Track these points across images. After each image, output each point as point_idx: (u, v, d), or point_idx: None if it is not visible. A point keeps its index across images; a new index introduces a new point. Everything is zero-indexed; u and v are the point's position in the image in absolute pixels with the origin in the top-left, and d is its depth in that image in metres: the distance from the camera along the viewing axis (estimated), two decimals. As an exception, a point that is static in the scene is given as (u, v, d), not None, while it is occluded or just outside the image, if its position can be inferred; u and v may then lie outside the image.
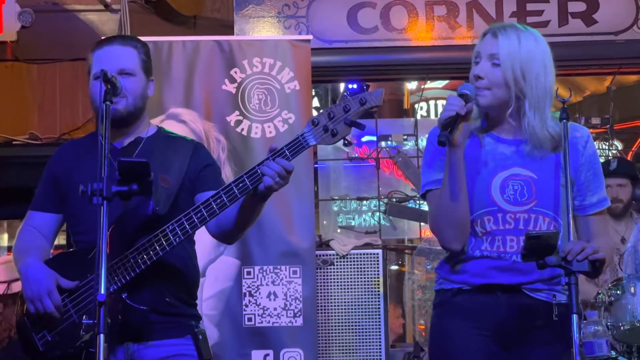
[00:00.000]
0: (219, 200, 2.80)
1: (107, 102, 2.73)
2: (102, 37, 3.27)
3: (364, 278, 5.42)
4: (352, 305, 5.39)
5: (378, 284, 5.41)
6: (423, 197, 2.98)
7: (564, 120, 2.82)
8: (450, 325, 2.91)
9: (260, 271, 5.01)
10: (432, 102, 9.02)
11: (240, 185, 2.77)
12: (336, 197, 7.34)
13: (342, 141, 2.86)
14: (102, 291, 2.48)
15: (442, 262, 2.99)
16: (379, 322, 5.38)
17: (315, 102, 8.81)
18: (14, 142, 6.10)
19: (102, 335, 2.47)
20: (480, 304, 2.86)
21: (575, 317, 2.62)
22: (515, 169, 2.86)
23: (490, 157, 2.87)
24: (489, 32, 2.88)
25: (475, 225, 2.85)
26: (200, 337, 3.03)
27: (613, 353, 4.28)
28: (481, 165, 2.87)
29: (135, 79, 3.02)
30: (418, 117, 8.48)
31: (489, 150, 2.88)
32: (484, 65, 2.83)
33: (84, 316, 2.85)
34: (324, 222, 7.37)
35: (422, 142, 7.36)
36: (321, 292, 5.36)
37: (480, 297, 2.86)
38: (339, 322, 5.39)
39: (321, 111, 2.79)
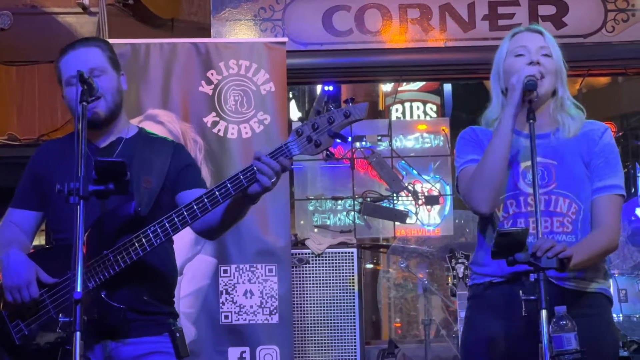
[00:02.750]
0: (200, 204, 2.82)
1: (84, 103, 2.75)
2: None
3: (339, 276, 5.46)
4: (327, 302, 5.44)
5: (353, 282, 5.45)
6: (457, 183, 3.12)
7: (531, 121, 2.93)
8: (478, 318, 3.05)
9: (237, 269, 5.04)
10: (407, 104, 9.10)
11: (223, 190, 2.81)
12: (312, 197, 7.37)
13: (324, 152, 2.90)
14: (79, 289, 2.49)
15: (474, 256, 3.13)
16: (354, 319, 5.42)
17: (292, 104, 8.87)
18: (-8, 144, 6.12)
19: (78, 333, 2.48)
20: (509, 296, 2.92)
21: (544, 312, 2.66)
22: (537, 158, 2.98)
23: (513, 149, 3.01)
24: (526, 29, 3.11)
25: (498, 210, 2.99)
26: (178, 334, 3.03)
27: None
28: None
29: (108, 77, 3.04)
30: (393, 118, 8.54)
31: (513, 143, 3.00)
32: (536, 55, 3.01)
33: (60, 314, 2.77)
34: (301, 222, 7.40)
35: (396, 143, 7.44)
36: (297, 290, 5.40)
37: (509, 288, 2.93)
38: (314, 320, 5.43)
39: (305, 122, 2.79)
